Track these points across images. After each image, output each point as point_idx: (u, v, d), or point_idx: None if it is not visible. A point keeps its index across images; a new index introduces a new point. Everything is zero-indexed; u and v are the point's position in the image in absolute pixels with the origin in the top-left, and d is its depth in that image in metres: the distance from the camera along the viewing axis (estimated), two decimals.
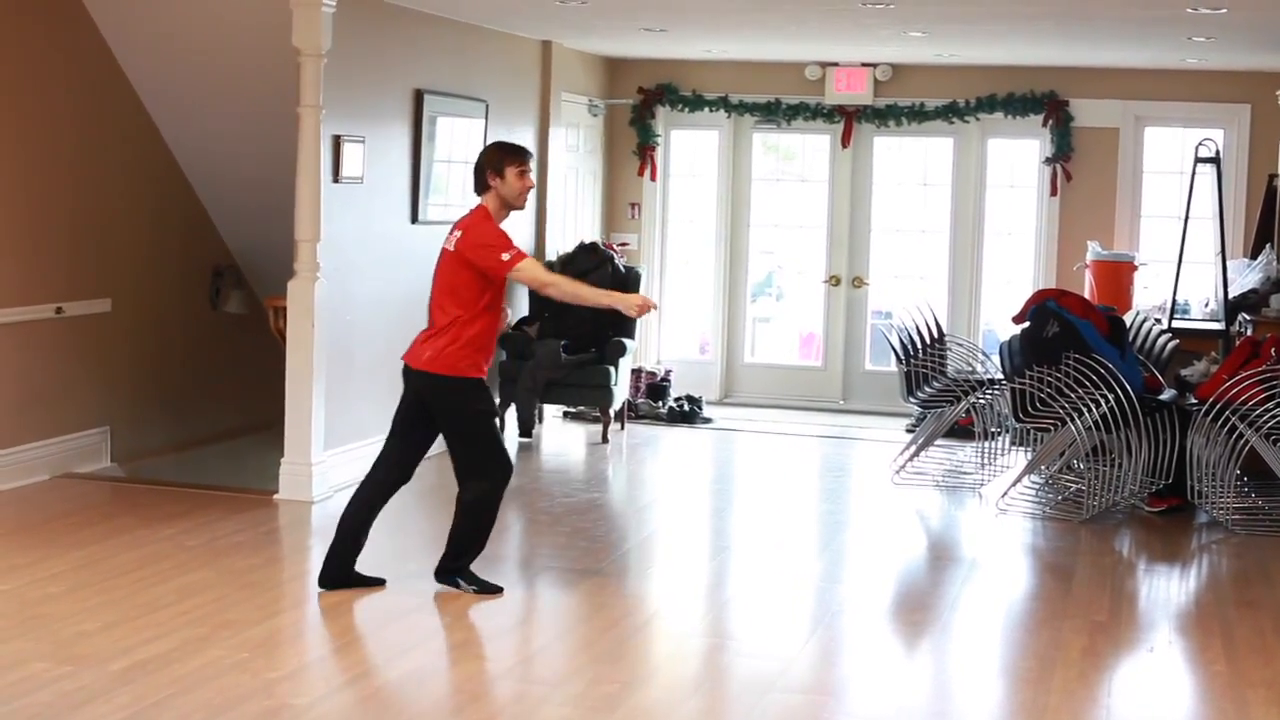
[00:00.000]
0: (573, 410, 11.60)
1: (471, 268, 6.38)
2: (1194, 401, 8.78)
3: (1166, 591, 7.58)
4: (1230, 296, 10.46)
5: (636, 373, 11.83)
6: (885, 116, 12.24)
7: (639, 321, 11.33)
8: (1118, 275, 11.31)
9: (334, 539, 6.66)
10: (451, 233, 6.52)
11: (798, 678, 5.73)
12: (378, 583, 6.68)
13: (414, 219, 9.53)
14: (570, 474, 9.85)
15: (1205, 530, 8.51)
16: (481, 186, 6.49)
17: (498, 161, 6.46)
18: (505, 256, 6.34)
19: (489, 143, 6.83)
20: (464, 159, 10.10)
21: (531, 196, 11.08)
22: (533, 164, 6.58)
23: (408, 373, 6.56)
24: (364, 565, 7.33)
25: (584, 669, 5.76)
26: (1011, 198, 12.41)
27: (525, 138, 11.09)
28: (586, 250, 11.24)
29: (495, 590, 6.60)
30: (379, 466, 6.71)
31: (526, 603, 6.82)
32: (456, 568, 6.65)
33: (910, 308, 10.02)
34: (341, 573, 6.60)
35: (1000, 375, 9.36)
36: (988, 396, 9.53)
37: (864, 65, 12.15)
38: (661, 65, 12.50)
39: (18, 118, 8.22)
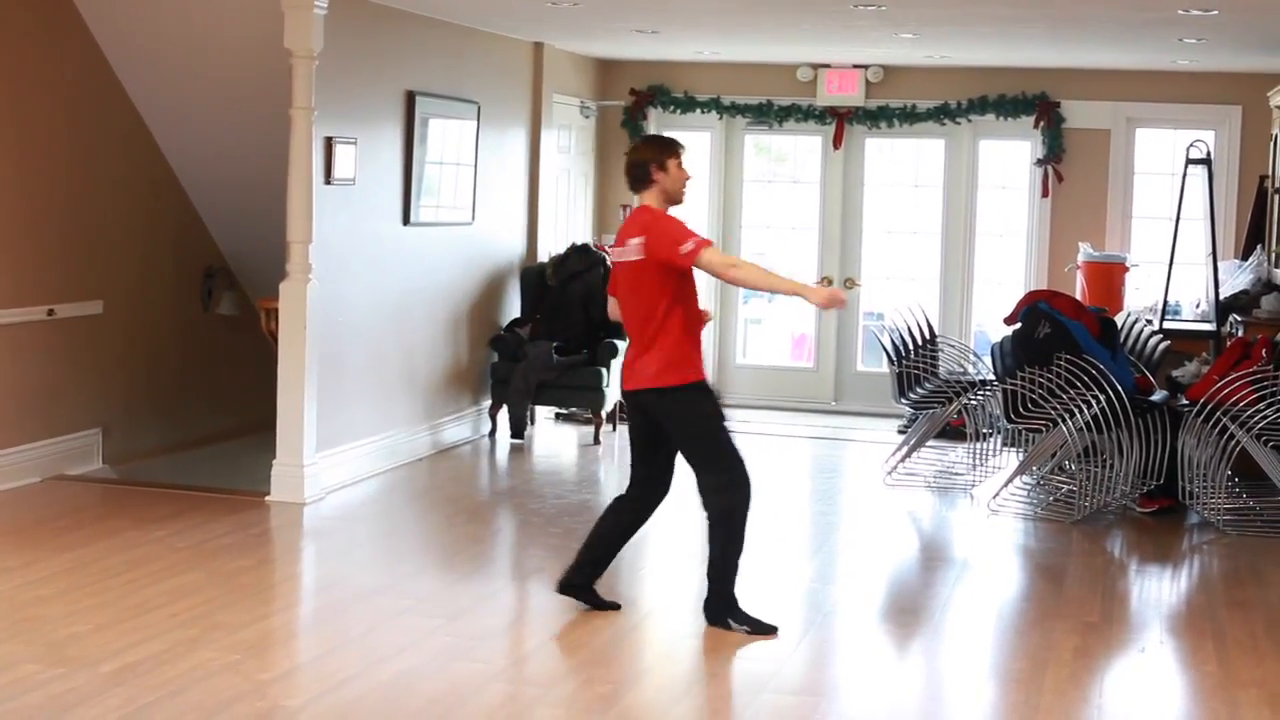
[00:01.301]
0: (564, 412, 11.60)
1: (660, 268, 6.08)
2: (1185, 402, 8.79)
3: (1158, 592, 7.59)
4: (1221, 298, 10.47)
5: None
6: (877, 118, 12.25)
7: None
8: (1109, 276, 11.32)
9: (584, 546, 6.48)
10: (622, 243, 6.19)
11: (790, 679, 5.74)
12: (613, 606, 6.44)
13: (406, 221, 9.53)
14: (562, 475, 9.85)
15: (1196, 531, 8.52)
16: (643, 183, 6.19)
17: (659, 155, 6.18)
18: (689, 246, 6.00)
19: (643, 138, 6.47)
20: (455, 160, 10.12)
21: (524, 197, 11.25)
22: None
23: (630, 396, 6.28)
24: (358, 566, 7.34)
25: (576, 670, 5.76)
26: (1003, 199, 12.42)
27: (517, 139, 11.10)
28: (579, 251, 11.23)
29: (769, 630, 6.19)
30: (630, 484, 6.43)
31: (518, 604, 6.82)
32: (723, 603, 6.24)
33: (902, 309, 10.03)
34: (583, 584, 6.44)
35: (992, 376, 9.37)
36: (979, 398, 9.54)
37: (855, 67, 12.16)
38: (653, 67, 12.50)
39: (11, 120, 8.21)
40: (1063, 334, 8.67)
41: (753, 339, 13.13)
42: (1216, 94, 11.66)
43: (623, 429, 11.28)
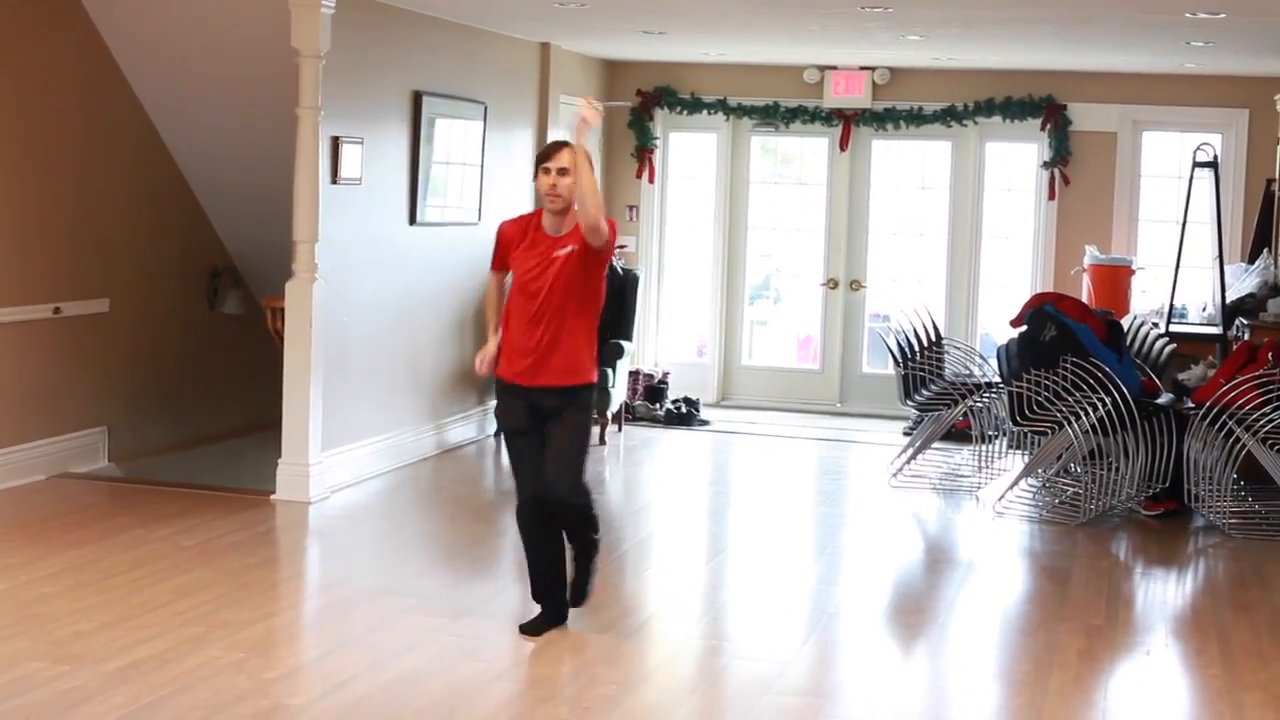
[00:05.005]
0: None
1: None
2: (1191, 405, 8.78)
3: (1163, 595, 7.58)
4: (1228, 301, 10.46)
5: (634, 375, 11.83)
6: (883, 120, 12.24)
7: (637, 324, 11.32)
8: (1115, 279, 11.31)
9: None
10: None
11: (794, 680, 5.74)
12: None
13: (412, 220, 9.53)
14: None
15: (1202, 534, 8.51)
16: None
17: (535, 165, 6.21)
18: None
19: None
20: (462, 160, 10.13)
21: (531, 198, 11.23)
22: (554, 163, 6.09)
23: None
24: (362, 565, 7.35)
25: (581, 671, 5.76)
26: (1009, 201, 12.41)
27: (523, 140, 11.10)
28: None
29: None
30: None
31: (523, 604, 6.81)
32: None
33: (908, 311, 10.02)
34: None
35: (998, 378, 9.37)
36: (985, 400, 9.53)
37: (862, 69, 12.15)
38: (660, 68, 12.50)
39: (18, 118, 8.22)
40: (1069, 337, 8.66)
41: (758, 340, 13.12)
42: (1224, 97, 11.65)
43: (629, 430, 11.29)
